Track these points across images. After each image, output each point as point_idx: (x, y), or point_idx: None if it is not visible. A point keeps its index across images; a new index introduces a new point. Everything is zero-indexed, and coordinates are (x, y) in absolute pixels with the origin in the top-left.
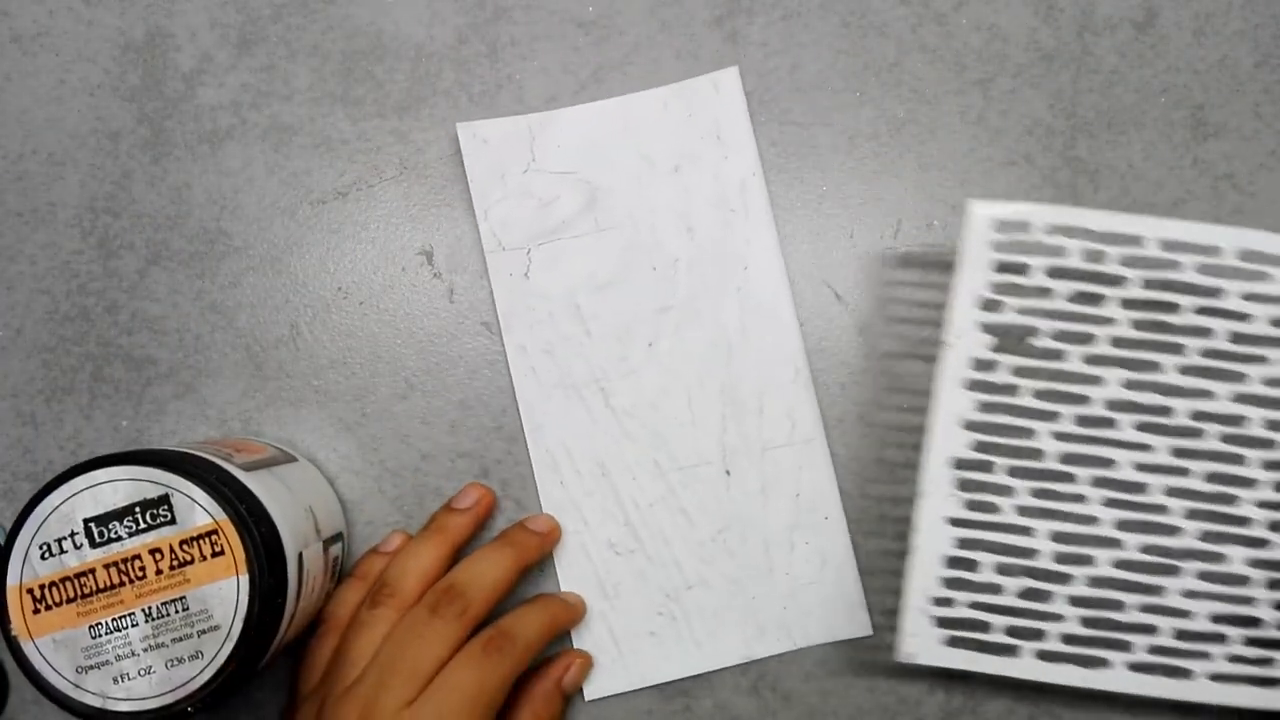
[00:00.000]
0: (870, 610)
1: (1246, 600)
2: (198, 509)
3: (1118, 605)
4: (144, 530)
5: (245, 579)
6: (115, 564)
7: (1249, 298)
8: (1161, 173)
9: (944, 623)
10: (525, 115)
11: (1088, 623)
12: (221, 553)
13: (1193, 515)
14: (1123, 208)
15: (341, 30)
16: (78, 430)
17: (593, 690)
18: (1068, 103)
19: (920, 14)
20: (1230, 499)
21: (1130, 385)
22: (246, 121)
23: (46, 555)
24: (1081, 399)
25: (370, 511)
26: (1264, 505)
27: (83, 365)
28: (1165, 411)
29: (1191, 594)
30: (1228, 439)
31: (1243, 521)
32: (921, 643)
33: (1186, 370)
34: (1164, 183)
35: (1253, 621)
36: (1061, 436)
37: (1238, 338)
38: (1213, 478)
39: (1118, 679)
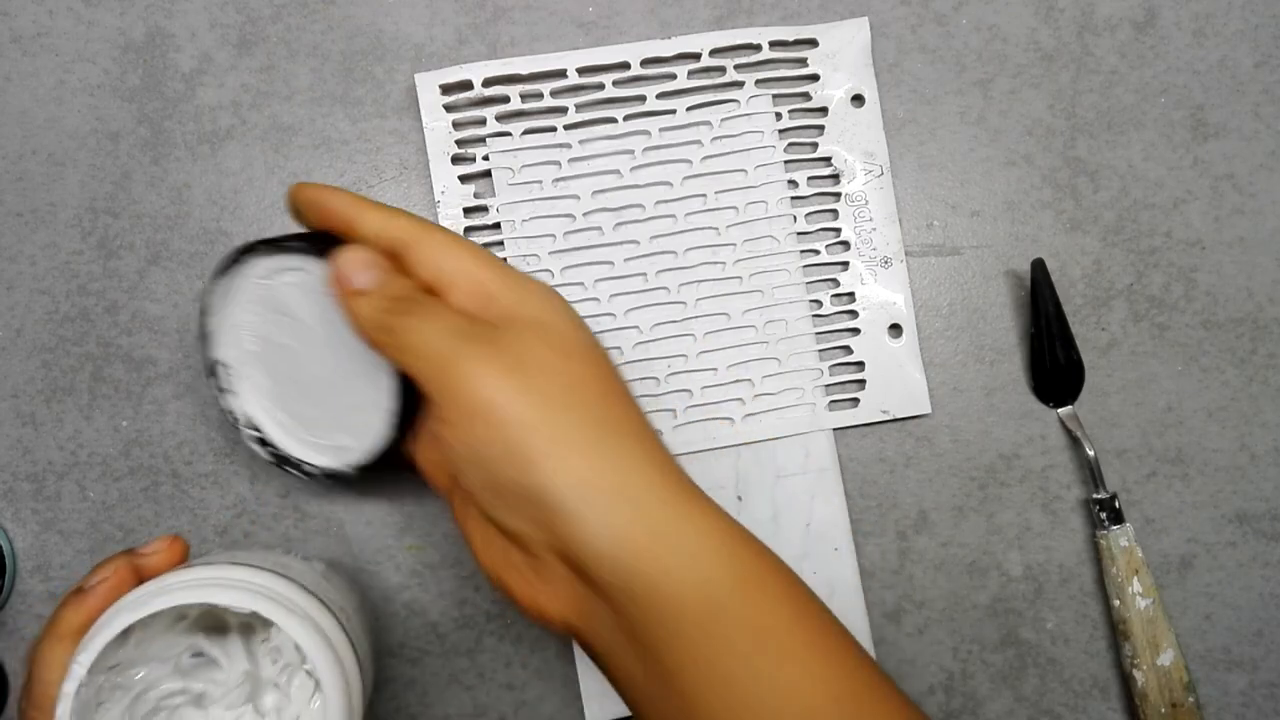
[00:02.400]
0: (874, 643)
1: (759, 344)
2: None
3: (652, 379)
4: None
5: None
6: None
7: (664, 95)
8: (1161, 173)
9: None
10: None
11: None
12: None
13: (688, 285)
14: (1123, 208)
15: (341, 30)
16: (78, 430)
17: (596, 715)
18: (1068, 103)
19: (920, 14)
20: (716, 264)
21: (599, 193)
22: (246, 121)
23: None
24: (566, 216)
25: (370, 512)
26: (742, 260)
27: (83, 365)
28: (638, 208)
29: (708, 352)
30: (692, 214)
31: (733, 279)
32: None
33: (639, 168)
34: (1164, 183)
35: (770, 361)
36: (560, 252)
37: (668, 129)
38: (694, 250)
39: (671, 442)
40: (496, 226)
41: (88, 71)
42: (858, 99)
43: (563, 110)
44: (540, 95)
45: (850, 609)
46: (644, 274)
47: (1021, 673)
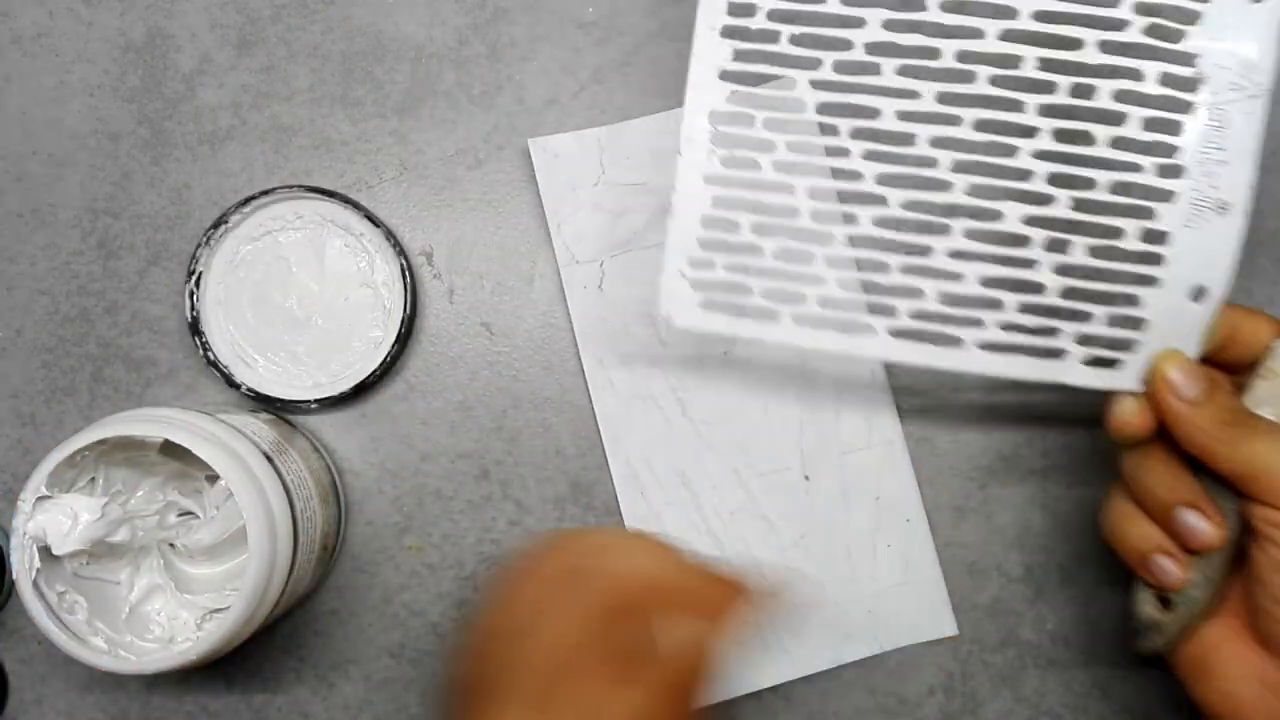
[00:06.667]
0: (955, 609)
1: (1026, 263)
2: None
3: (881, 266)
4: None
5: None
6: None
7: None
8: None
9: (702, 285)
10: (595, 128)
11: (847, 285)
12: None
13: (962, 168)
14: None
15: (341, 30)
16: (78, 431)
17: None
18: None
19: None
20: (1007, 149)
21: (892, 26)
22: (246, 122)
23: None
24: (842, 43)
25: (370, 512)
26: (1043, 156)
27: (83, 366)
28: (931, 53)
29: (961, 254)
30: (999, 81)
31: (1022, 175)
32: (678, 305)
33: (949, 6)
34: None
35: (1034, 287)
36: (821, 85)
37: None
38: (984, 125)
39: (879, 345)
40: (759, 36)
41: (88, 72)
42: None
43: None
44: None
45: (927, 580)
46: (912, 137)
47: (1021, 673)
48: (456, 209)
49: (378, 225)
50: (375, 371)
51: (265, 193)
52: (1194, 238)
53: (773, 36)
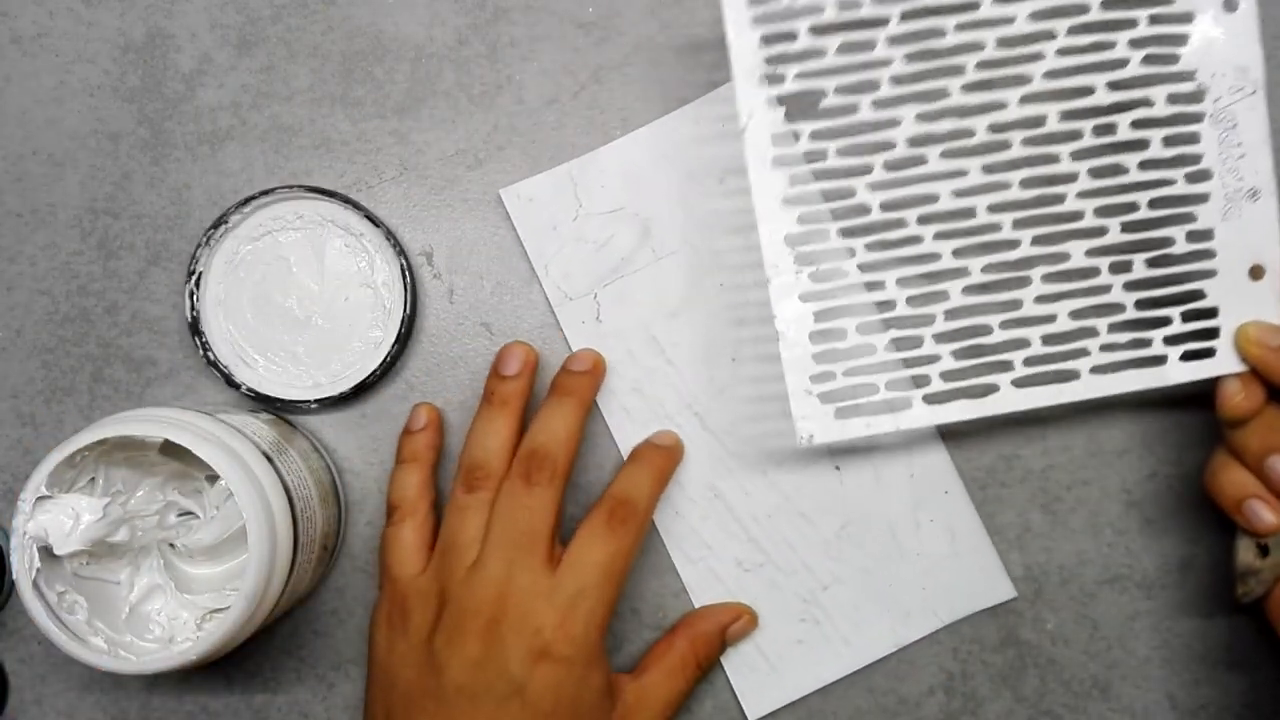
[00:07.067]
0: (1009, 572)
1: (1102, 289)
2: None
3: (985, 330)
4: None
5: None
6: None
7: (1001, 0)
8: None
9: (829, 397)
10: (564, 164)
11: (961, 354)
12: None
13: (1023, 224)
14: None
15: (341, 30)
16: (78, 430)
17: (755, 710)
18: None
19: None
20: (1055, 199)
21: (926, 117)
22: (246, 122)
23: None
24: (886, 145)
25: (370, 511)
26: (1086, 195)
27: (83, 366)
28: (967, 134)
29: (1046, 298)
30: (1031, 141)
31: (1074, 216)
32: (815, 423)
33: (971, 87)
34: None
35: (1115, 308)
36: (878, 185)
37: (1006, 41)
38: (1029, 182)
39: (1008, 399)
40: (808, 157)
41: (88, 72)
42: (1229, 3)
43: (884, 21)
44: (859, 3)
45: (975, 549)
46: (973, 210)
47: (1021, 673)
48: (456, 209)
49: (378, 225)
50: (375, 371)
51: (265, 193)
52: (1236, 226)
53: (820, 155)
